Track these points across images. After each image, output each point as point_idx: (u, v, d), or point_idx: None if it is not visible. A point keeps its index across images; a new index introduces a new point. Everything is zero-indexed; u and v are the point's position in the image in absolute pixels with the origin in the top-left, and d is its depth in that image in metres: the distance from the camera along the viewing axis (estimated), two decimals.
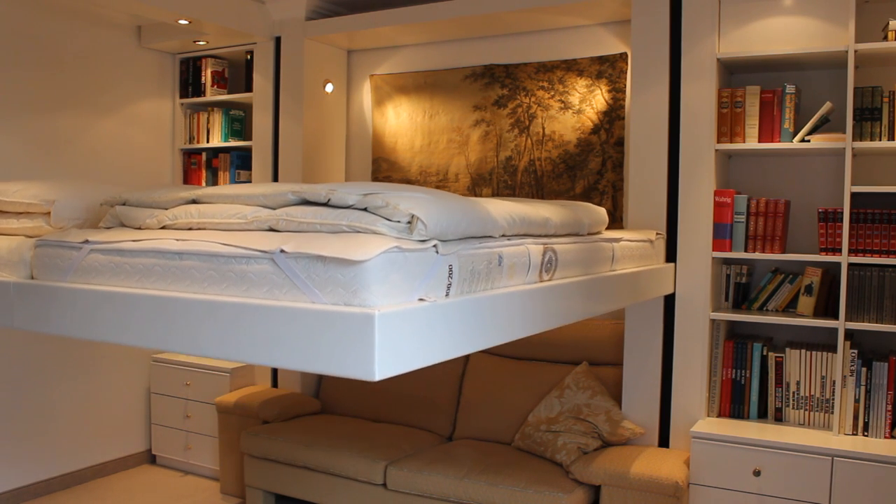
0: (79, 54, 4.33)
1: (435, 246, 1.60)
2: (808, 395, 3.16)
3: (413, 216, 1.56)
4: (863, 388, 3.02)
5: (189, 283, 1.69)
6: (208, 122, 4.79)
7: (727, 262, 3.38)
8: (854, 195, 3.06)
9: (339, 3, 4.41)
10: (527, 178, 4.09)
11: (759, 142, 3.19)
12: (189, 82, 4.84)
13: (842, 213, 3.03)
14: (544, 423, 3.50)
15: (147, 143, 4.76)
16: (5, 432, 4.05)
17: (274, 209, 1.77)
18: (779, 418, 3.22)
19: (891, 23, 2.94)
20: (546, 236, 2.18)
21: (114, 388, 4.59)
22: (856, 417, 3.04)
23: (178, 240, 1.76)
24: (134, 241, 1.83)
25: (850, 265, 3.01)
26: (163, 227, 1.94)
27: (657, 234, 3.22)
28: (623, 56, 3.82)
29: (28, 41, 4.08)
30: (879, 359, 3.03)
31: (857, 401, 3.04)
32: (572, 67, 3.95)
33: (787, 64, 3.25)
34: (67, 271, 1.92)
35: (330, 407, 4.28)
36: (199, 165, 4.84)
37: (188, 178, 4.90)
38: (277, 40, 4.42)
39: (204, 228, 1.87)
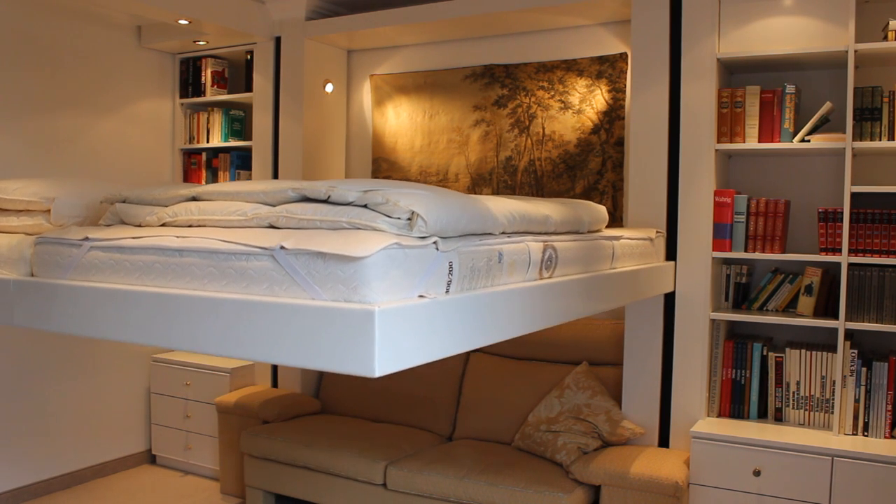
0: (78, 54, 4.34)
1: (435, 243, 1.60)
2: (808, 395, 3.16)
3: (413, 213, 1.56)
4: (863, 388, 3.02)
5: (189, 280, 1.69)
6: (208, 122, 4.79)
7: (727, 262, 3.38)
8: (854, 195, 3.06)
9: (339, 3, 4.41)
10: (527, 178, 4.09)
11: (759, 142, 3.19)
12: (189, 82, 4.84)
13: (842, 213, 3.03)
14: (544, 423, 3.50)
15: (147, 143, 4.76)
16: (5, 432, 4.05)
17: (274, 206, 1.77)
18: (779, 418, 3.22)
19: (891, 23, 2.94)
20: (546, 234, 2.18)
21: (114, 388, 4.58)
22: (856, 417, 3.04)
23: (178, 237, 1.76)
24: (134, 238, 1.83)
25: (850, 265, 3.01)
26: (163, 225, 1.93)
27: (657, 232, 3.22)
28: (623, 56, 3.82)
29: (28, 41, 4.08)
30: (879, 359, 3.03)
31: (857, 401, 3.04)
32: (572, 67, 3.95)
33: (787, 64, 3.25)
34: (67, 269, 1.92)
35: (330, 407, 4.28)
36: (199, 165, 4.84)
37: (188, 178, 4.89)
38: (277, 40, 4.42)
39: (204, 225, 1.86)
